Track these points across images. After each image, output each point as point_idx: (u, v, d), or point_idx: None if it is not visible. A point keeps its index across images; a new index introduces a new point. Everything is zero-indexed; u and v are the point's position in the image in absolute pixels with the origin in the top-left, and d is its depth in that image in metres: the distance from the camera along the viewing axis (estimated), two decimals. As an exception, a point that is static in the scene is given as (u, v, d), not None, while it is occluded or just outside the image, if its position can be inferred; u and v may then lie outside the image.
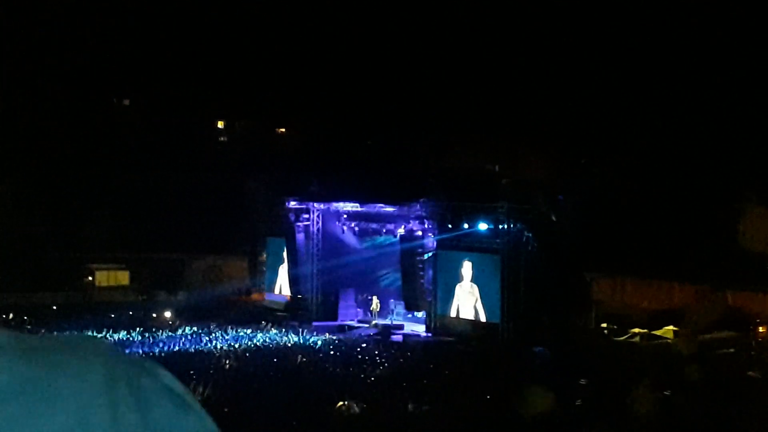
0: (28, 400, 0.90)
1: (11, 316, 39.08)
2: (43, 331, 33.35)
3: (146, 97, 58.88)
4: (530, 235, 38.83)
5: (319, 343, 38.30)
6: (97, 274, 47.85)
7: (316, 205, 45.85)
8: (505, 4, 51.36)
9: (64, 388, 0.92)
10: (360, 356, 35.45)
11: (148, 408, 0.98)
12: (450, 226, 41.18)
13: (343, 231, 45.95)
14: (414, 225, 42.85)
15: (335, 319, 43.47)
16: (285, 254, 47.43)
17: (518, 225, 39.05)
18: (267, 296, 49.41)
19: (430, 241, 42.12)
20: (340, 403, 26.93)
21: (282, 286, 48.48)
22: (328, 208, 45.80)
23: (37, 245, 45.68)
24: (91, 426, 0.92)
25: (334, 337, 39.75)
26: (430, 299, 41.84)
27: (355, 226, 45.73)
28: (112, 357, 1.00)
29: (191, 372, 28.47)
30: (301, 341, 39.03)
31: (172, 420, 1.00)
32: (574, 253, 39.23)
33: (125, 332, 38.66)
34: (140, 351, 34.66)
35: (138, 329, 39.33)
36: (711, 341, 34.69)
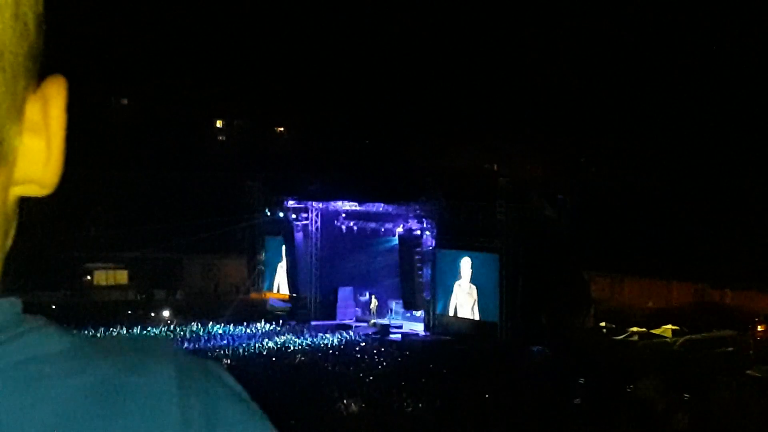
0: (107, 400, 0.91)
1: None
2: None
3: (145, 97, 58.88)
4: (528, 234, 38.82)
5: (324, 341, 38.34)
6: (96, 273, 47.82)
7: (314, 204, 45.84)
8: (504, 4, 51.39)
9: (139, 388, 0.94)
10: (359, 355, 35.47)
11: (214, 412, 0.98)
12: (448, 225, 41.18)
13: (342, 230, 45.92)
14: (412, 224, 42.85)
15: (334, 318, 43.46)
16: (283, 253, 47.41)
17: (516, 224, 39.05)
18: (266, 296, 49.38)
19: (429, 240, 42.11)
20: (339, 401, 26.97)
21: (280, 285, 48.46)
22: (327, 207, 45.79)
23: (36, 245, 45.68)
24: (164, 428, 0.93)
25: (333, 336, 39.76)
26: (428, 298, 41.83)
27: (354, 225, 45.69)
28: (182, 358, 1.01)
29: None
30: (300, 340, 39.04)
31: (238, 426, 1.00)
32: (572, 252, 39.24)
33: (124, 331, 38.67)
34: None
35: (136, 328, 39.34)
36: (708, 340, 34.71)
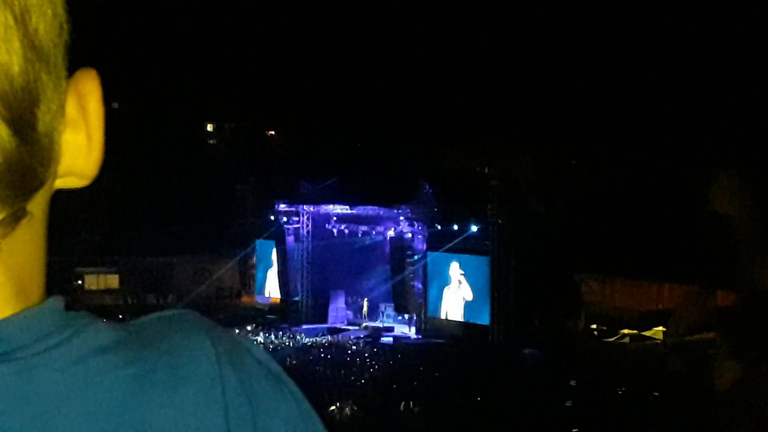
0: (160, 386, 0.95)
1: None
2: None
3: (136, 100, 58.81)
4: (520, 236, 38.88)
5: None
6: (87, 278, 47.77)
7: (305, 207, 45.86)
8: (494, 7, 51.46)
9: (184, 373, 0.97)
10: (350, 359, 35.48)
11: (251, 388, 1.01)
12: (439, 228, 41.23)
13: (333, 233, 45.95)
14: (404, 227, 42.91)
15: (325, 322, 43.47)
16: (275, 257, 47.41)
17: (508, 226, 39.11)
18: (257, 299, 49.39)
19: (420, 243, 42.16)
20: (331, 405, 26.96)
21: (272, 288, 48.45)
22: (318, 210, 45.82)
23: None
24: (210, 410, 0.97)
25: (324, 340, 39.78)
26: (419, 301, 41.87)
27: (345, 228, 45.73)
28: (215, 333, 1.04)
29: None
30: (292, 344, 39.06)
31: (271, 402, 1.03)
32: (564, 254, 39.30)
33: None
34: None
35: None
36: (699, 342, 34.78)
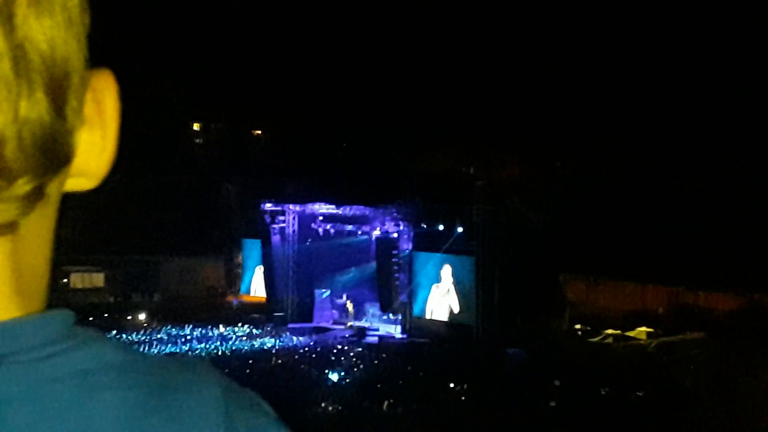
0: (159, 414, 0.92)
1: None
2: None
3: (121, 99, 58.61)
4: (505, 237, 39.02)
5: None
6: (72, 276, 47.61)
7: (291, 207, 45.86)
8: (480, 9, 51.58)
9: (188, 407, 0.95)
10: (335, 358, 35.53)
11: None
12: (425, 227, 41.34)
13: (319, 233, 45.98)
14: (389, 227, 42.98)
15: (310, 321, 43.49)
16: (260, 256, 47.40)
17: (493, 227, 39.23)
18: (242, 298, 49.35)
19: (406, 242, 42.24)
20: (316, 404, 27.01)
21: (257, 287, 48.44)
22: (304, 210, 45.83)
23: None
24: None
25: (310, 339, 39.80)
26: (405, 301, 41.96)
27: (331, 228, 45.77)
28: (227, 382, 1.02)
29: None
30: (276, 342, 39.09)
31: None
32: (548, 254, 39.45)
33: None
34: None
35: (113, 332, 39.20)
36: (682, 342, 34.96)
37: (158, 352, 35.68)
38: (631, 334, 37.38)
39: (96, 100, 1.00)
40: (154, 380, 0.95)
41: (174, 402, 0.94)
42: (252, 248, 48.64)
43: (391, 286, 42.48)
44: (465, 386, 29.60)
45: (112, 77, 1.03)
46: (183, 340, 38.78)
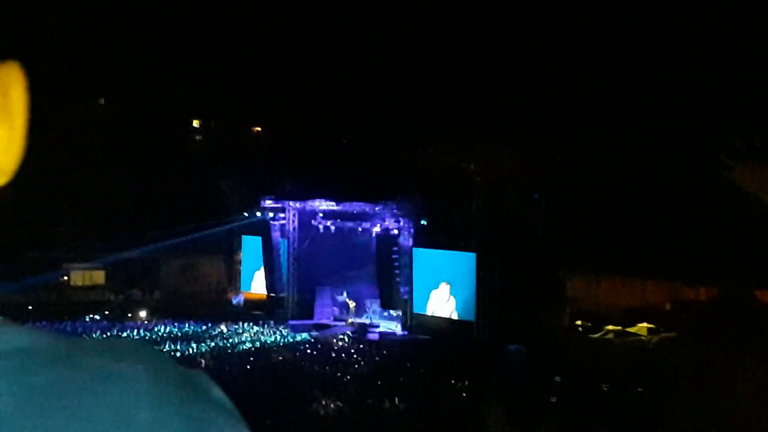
0: (62, 404, 0.84)
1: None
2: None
3: (121, 97, 58.65)
4: (505, 233, 39.03)
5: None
6: (72, 274, 47.64)
7: (292, 203, 45.88)
8: (478, 7, 51.56)
9: (104, 394, 0.86)
10: (336, 354, 35.54)
11: (199, 426, 0.89)
12: (425, 224, 41.35)
13: (320, 230, 45.99)
14: (390, 223, 42.99)
15: (311, 318, 43.51)
16: (261, 253, 47.42)
17: (493, 223, 39.25)
18: (243, 294, 49.39)
19: (406, 239, 42.25)
20: (316, 401, 27.01)
21: (258, 284, 48.46)
22: (304, 206, 45.84)
23: (12, 245, 45.44)
24: None
25: (310, 336, 39.83)
26: (405, 298, 41.97)
27: (331, 224, 45.79)
28: (162, 366, 0.93)
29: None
30: (277, 339, 39.12)
31: None
32: (548, 250, 39.45)
33: (100, 333, 38.59)
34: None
35: (114, 329, 39.26)
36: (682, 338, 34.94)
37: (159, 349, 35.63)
38: (631, 329, 37.41)
39: (2, 93, 0.97)
40: (70, 365, 0.88)
41: (88, 388, 0.86)
42: (252, 245, 48.67)
43: (392, 282, 42.51)
44: (465, 382, 29.61)
45: (19, 69, 0.99)
46: (183, 337, 38.78)
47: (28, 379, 0.85)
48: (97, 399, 0.85)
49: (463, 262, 39.77)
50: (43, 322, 38.41)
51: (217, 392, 0.96)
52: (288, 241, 46.03)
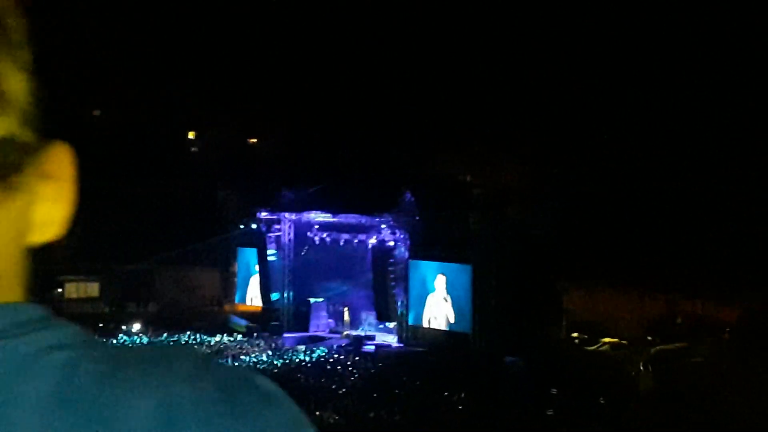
0: (102, 401, 0.91)
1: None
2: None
3: (117, 108, 58.62)
4: (502, 244, 38.97)
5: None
6: (67, 286, 47.49)
7: (287, 215, 45.80)
8: (477, 14, 51.60)
9: (149, 389, 0.93)
10: (331, 367, 35.42)
11: (243, 413, 0.96)
12: (421, 236, 41.25)
13: (315, 241, 45.90)
14: (386, 235, 42.90)
15: (306, 330, 43.39)
16: (256, 265, 47.30)
17: (490, 235, 39.18)
18: (238, 307, 49.23)
19: (402, 251, 42.17)
20: (312, 414, 26.88)
21: (253, 296, 48.31)
22: (300, 218, 45.76)
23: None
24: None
25: (306, 348, 39.70)
26: (401, 310, 41.86)
27: (327, 236, 45.70)
28: (204, 364, 0.99)
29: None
30: (272, 351, 38.99)
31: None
32: (545, 262, 39.39)
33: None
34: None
35: (108, 341, 39.12)
36: (679, 350, 34.91)
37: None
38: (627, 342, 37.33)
39: (58, 163, 1.10)
40: (111, 363, 0.95)
41: (129, 382, 0.92)
42: (248, 257, 48.53)
43: (388, 294, 42.39)
44: (462, 395, 29.51)
45: (69, 150, 1.13)
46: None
47: (77, 373, 0.93)
48: (145, 392, 0.92)
49: (460, 273, 39.68)
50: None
51: (263, 381, 1.02)
52: (284, 253, 45.93)
